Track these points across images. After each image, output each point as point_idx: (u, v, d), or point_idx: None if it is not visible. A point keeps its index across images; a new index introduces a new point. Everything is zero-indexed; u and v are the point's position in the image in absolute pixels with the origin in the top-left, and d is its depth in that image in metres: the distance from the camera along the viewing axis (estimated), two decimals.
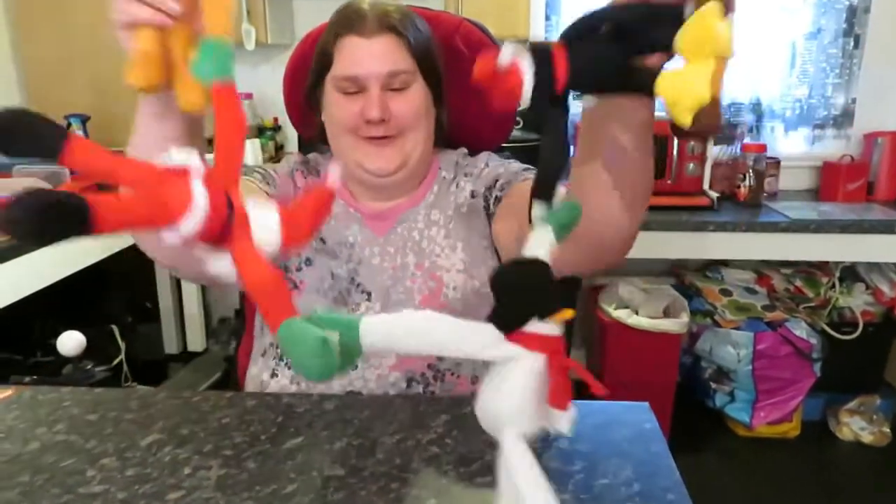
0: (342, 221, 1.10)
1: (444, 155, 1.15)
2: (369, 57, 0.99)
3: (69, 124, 2.52)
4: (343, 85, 1.01)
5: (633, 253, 2.71)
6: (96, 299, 2.52)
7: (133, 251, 2.58)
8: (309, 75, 1.07)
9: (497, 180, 1.07)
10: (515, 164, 1.10)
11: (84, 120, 2.54)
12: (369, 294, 1.06)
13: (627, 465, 0.78)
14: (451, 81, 1.09)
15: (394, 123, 1.01)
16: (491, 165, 1.12)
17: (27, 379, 1.46)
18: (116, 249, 2.34)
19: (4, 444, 0.84)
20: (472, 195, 1.10)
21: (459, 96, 1.07)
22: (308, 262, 1.08)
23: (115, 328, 2.45)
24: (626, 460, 0.79)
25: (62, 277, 2.08)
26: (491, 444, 0.82)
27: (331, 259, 1.07)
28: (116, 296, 2.59)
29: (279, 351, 1.07)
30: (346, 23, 1.01)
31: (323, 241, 1.08)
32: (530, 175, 1.02)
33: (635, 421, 0.88)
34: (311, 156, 1.17)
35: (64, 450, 0.83)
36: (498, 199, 1.05)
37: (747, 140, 2.74)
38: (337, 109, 1.03)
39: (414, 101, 1.02)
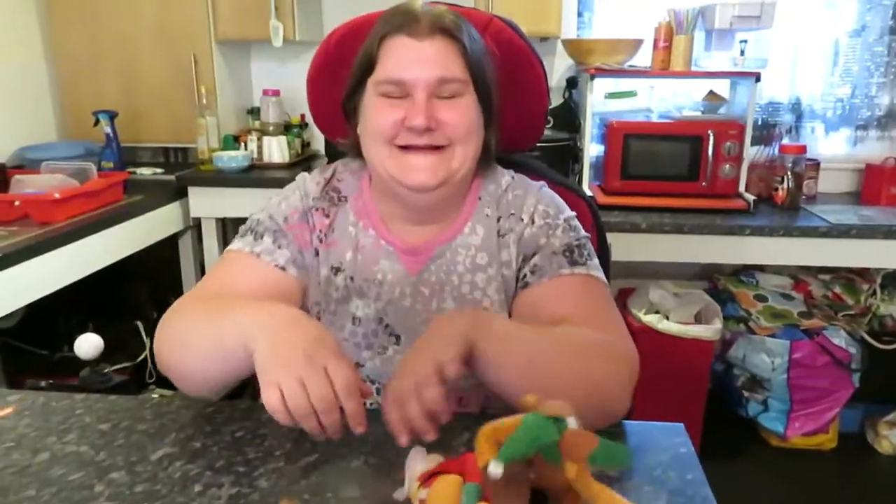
0: (371, 256, 1.00)
1: (487, 181, 1.03)
2: (419, 60, 0.90)
3: (97, 120, 2.53)
4: (386, 89, 0.91)
5: (666, 256, 2.64)
6: (122, 295, 2.53)
7: (158, 247, 2.58)
8: (348, 80, 0.98)
9: (535, 254, 0.97)
10: (559, 235, 0.98)
11: (112, 116, 2.54)
12: (398, 337, 0.99)
13: (662, 493, 0.73)
14: None
15: (441, 133, 0.91)
16: (536, 223, 0.99)
17: (43, 384, 1.45)
18: (142, 246, 2.34)
19: (14, 455, 0.82)
20: (512, 264, 0.99)
21: None
22: (323, 310, 1.00)
23: (139, 324, 2.45)
24: (660, 488, 0.74)
25: (88, 274, 2.09)
26: None
27: (358, 298, 0.99)
28: (141, 291, 2.59)
29: None
30: (395, 23, 0.92)
31: (352, 278, 1.00)
32: (566, 269, 0.94)
33: (670, 445, 0.83)
34: (334, 172, 1.06)
35: (73, 461, 0.80)
36: (527, 284, 0.96)
37: (786, 141, 2.65)
38: (376, 115, 0.93)
39: (465, 111, 0.93)
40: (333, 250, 1.01)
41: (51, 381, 1.48)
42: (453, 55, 0.91)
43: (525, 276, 0.97)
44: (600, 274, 0.98)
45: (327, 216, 1.02)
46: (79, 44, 2.67)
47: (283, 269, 0.98)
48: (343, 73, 1.07)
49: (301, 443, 0.83)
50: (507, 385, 0.81)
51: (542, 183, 1.06)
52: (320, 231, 1.01)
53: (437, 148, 0.92)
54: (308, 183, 1.05)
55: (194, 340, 0.86)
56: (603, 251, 1.16)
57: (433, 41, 0.90)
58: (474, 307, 0.99)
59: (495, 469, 0.60)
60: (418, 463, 0.74)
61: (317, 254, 1.01)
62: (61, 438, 0.85)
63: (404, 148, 0.92)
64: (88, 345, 1.33)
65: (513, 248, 0.99)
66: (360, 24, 1.08)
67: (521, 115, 1.10)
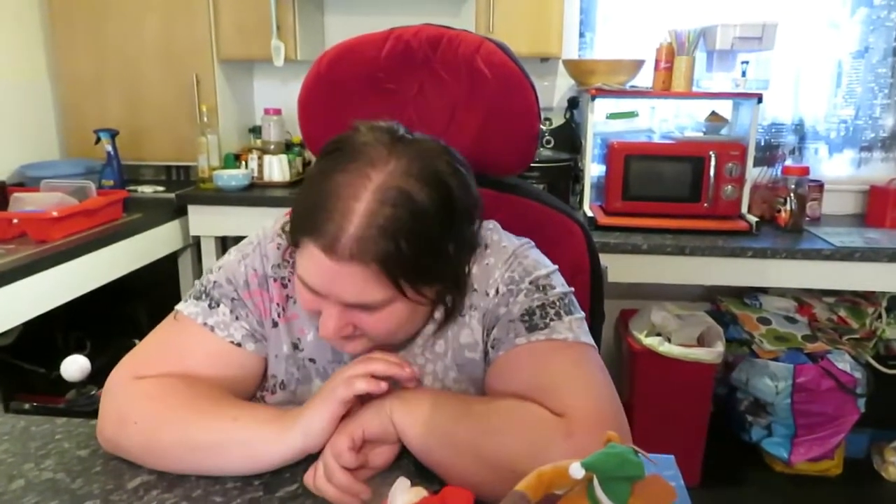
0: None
1: None
2: (332, 281, 0.78)
3: (98, 138, 2.54)
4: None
5: (667, 278, 2.61)
6: (120, 312, 2.52)
7: (158, 265, 2.57)
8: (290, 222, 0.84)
9: (494, 327, 0.87)
10: (520, 300, 0.86)
11: (113, 135, 2.55)
12: None
13: None
14: (472, 103, 1.03)
15: (362, 334, 0.84)
16: (500, 293, 0.87)
17: (27, 406, 1.44)
18: (141, 264, 2.34)
19: None
20: (478, 345, 0.90)
21: (479, 119, 1.02)
22: (283, 385, 0.95)
23: (137, 342, 2.43)
24: None
25: (85, 292, 2.08)
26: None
27: (321, 380, 0.94)
28: (140, 309, 2.58)
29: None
30: (312, 225, 0.77)
31: (312, 360, 0.94)
32: (521, 337, 0.84)
33: None
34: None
35: (48, 489, 0.78)
36: (489, 360, 0.89)
37: (789, 162, 2.63)
38: (299, 293, 0.84)
39: (387, 320, 0.82)
40: (294, 323, 0.95)
41: (34, 403, 1.46)
42: (372, 281, 0.77)
43: (488, 352, 0.89)
44: (569, 333, 0.84)
45: (285, 286, 0.94)
46: (82, 63, 2.69)
47: (238, 344, 0.91)
48: (335, 95, 1.07)
49: (280, 473, 0.81)
50: (421, 454, 0.81)
51: (525, 242, 0.94)
52: (278, 304, 0.93)
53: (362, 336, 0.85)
54: (267, 244, 0.95)
55: (185, 458, 0.82)
56: (596, 276, 1.15)
57: (350, 266, 0.76)
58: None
59: (577, 471, 0.60)
60: (401, 495, 0.73)
61: (274, 325, 0.94)
62: (38, 465, 0.84)
63: None
64: (75, 367, 1.32)
65: (477, 327, 0.89)
66: (351, 47, 1.07)
67: (512, 139, 1.08)
